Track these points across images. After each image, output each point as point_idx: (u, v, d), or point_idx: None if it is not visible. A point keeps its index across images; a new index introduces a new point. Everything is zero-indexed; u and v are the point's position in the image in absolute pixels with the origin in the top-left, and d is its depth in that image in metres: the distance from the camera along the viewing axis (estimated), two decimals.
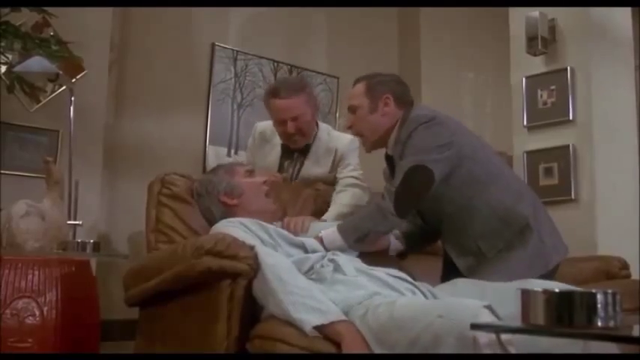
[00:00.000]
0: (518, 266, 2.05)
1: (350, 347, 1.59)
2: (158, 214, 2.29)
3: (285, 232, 2.07)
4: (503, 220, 2.10)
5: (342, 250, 2.06)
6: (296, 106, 2.66)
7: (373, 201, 2.14)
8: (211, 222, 2.18)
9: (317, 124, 2.84)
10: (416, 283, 1.92)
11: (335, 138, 2.84)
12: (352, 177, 2.70)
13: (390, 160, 2.29)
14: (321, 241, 2.08)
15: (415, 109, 2.24)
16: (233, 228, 1.98)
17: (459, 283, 1.95)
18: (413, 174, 2.04)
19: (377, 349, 1.58)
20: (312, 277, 1.86)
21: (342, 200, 2.60)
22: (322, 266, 1.91)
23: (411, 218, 2.33)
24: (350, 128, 2.35)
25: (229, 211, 2.18)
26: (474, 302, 1.49)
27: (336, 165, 2.77)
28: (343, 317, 1.67)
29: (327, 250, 2.05)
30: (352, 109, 2.30)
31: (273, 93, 2.70)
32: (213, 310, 1.77)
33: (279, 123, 2.71)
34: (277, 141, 2.85)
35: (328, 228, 2.15)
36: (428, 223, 2.32)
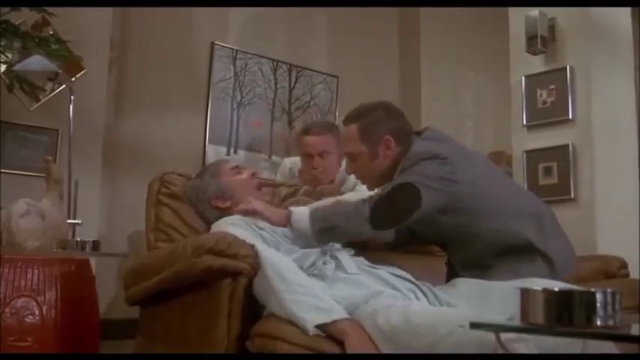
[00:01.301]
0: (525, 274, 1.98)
1: (355, 345, 1.58)
2: (157, 212, 2.30)
3: (287, 230, 2.07)
4: (505, 243, 2.01)
5: (304, 233, 1.97)
6: (325, 143, 2.81)
7: (355, 202, 2.00)
8: (209, 222, 2.18)
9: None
10: (417, 282, 1.92)
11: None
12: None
13: None
14: (289, 215, 1.98)
15: (418, 142, 2.07)
16: (234, 226, 1.97)
17: (459, 283, 1.94)
18: (400, 190, 1.92)
19: (385, 350, 1.58)
20: (313, 273, 1.86)
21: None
22: (324, 263, 1.90)
23: (403, 237, 2.24)
24: (352, 174, 2.21)
25: (224, 213, 2.16)
26: (496, 318, 1.48)
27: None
28: (347, 315, 1.66)
29: (290, 226, 1.98)
30: (351, 157, 2.11)
31: (305, 131, 2.92)
32: (213, 309, 1.77)
33: (307, 156, 2.85)
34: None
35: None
36: (427, 242, 2.27)
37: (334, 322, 1.63)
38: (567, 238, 2.18)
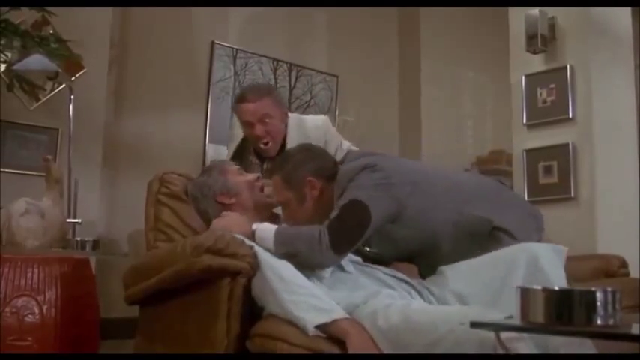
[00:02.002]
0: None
1: (356, 344, 1.59)
2: (157, 212, 2.30)
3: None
4: (465, 232, 2.00)
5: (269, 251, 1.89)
6: (262, 108, 2.66)
7: (317, 228, 1.90)
8: (208, 220, 2.18)
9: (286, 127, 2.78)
10: (412, 281, 1.92)
11: (306, 128, 2.77)
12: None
13: None
14: (252, 233, 1.92)
15: (341, 168, 2.06)
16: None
17: (446, 271, 1.91)
18: (347, 208, 1.90)
19: (386, 349, 1.58)
20: (311, 274, 1.85)
21: None
22: None
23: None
24: (291, 223, 2.14)
25: (226, 211, 2.16)
26: (496, 314, 1.47)
27: None
28: (346, 315, 1.67)
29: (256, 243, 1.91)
30: (283, 206, 2.13)
31: (239, 99, 2.74)
32: (212, 308, 1.77)
33: (247, 126, 2.71)
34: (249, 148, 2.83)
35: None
36: (393, 260, 2.20)
37: (334, 321, 1.63)
38: (525, 206, 2.18)
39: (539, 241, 2.03)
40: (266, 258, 1.76)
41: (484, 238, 1.99)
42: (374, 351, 1.59)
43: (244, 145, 2.87)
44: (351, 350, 1.58)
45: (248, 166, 2.76)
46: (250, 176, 2.28)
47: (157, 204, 2.31)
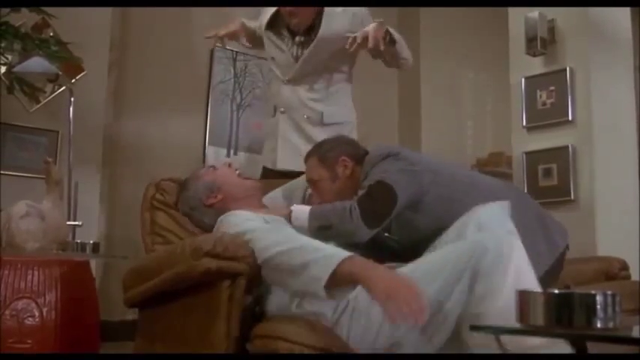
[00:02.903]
0: None
1: (368, 278, 1.56)
2: (153, 216, 2.29)
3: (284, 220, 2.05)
4: None
5: (302, 230, 1.96)
6: None
7: (348, 202, 2.04)
8: (208, 229, 2.16)
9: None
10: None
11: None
12: None
13: None
14: (289, 214, 2.05)
15: (370, 150, 2.22)
16: (250, 221, 1.93)
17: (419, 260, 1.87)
18: (375, 188, 2.01)
19: None
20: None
21: None
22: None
23: None
24: (319, 202, 2.24)
25: (220, 210, 2.12)
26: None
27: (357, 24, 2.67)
28: (342, 255, 1.62)
29: (290, 223, 2.01)
30: (314, 184, 2.25)
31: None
32: (212, 311, 1.77)
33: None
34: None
35: None
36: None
37: (334, 272, 1.59)
38: (550, 230, 2.16)
39: (547, 252, 2.05)
40: (263, 255, 1.74)
41: None
42: (381, 270, 1.59)
43: (277, 17, 2.86)
44: (372, 286, 1.55)
45: (280, 37, 2.83)
46: (222, 167, 2.25)
47: (152, 208, 2.30)
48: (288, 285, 1.74)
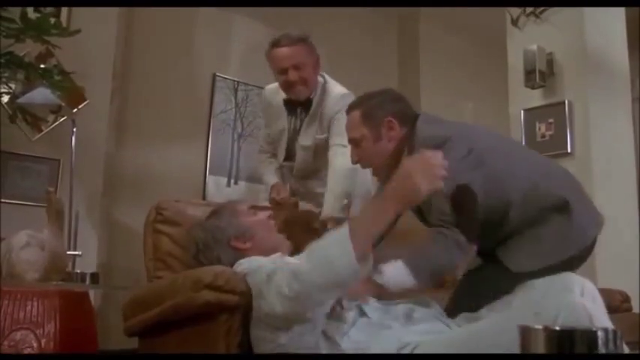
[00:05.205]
0: (553, 244, 1.94)
1: (378, 210, 1.52)
2: (155, 241, 2.28)
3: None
4: (540, 205, 1.94)
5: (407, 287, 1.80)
6: (297, 54, 2.68)
7: (437, 233, 1.85)
8: (214, 263, 2.08)
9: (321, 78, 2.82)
10: (444, 319, 1.78)
11: (330, 97, 2.78)
12: (340, 145, 2.59)
13: None
14: (380, 287, 1.79)
15: (420, 125, 2.02)
16: (264, 262, 1.81)
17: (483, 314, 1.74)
18: (456, 197, 1.83)
19: None
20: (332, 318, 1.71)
21: (334, 189, 2.57)
22: (342, 307, 1.75)
23: None
24: (357, 162, 2.13)
25: (241, 256, 1.96)
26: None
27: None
28: (344, 229, 1.51)
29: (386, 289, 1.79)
30: (355, 143, 2.07)
31: (273, 44, 2.73)
32: (211, 343, 1.77)
33: (281, 72, 2.72)
34: (279, 100, 2.86)
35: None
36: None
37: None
38: (593, 204, 2.13)
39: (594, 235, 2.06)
40: (257, 283, 1.67)
41: (553, 214, 1.95)
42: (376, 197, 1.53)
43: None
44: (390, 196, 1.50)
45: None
46: (262, 215, 2.10)
47: (154, 233, 2.29)
48: (315, 299, 1.56)
